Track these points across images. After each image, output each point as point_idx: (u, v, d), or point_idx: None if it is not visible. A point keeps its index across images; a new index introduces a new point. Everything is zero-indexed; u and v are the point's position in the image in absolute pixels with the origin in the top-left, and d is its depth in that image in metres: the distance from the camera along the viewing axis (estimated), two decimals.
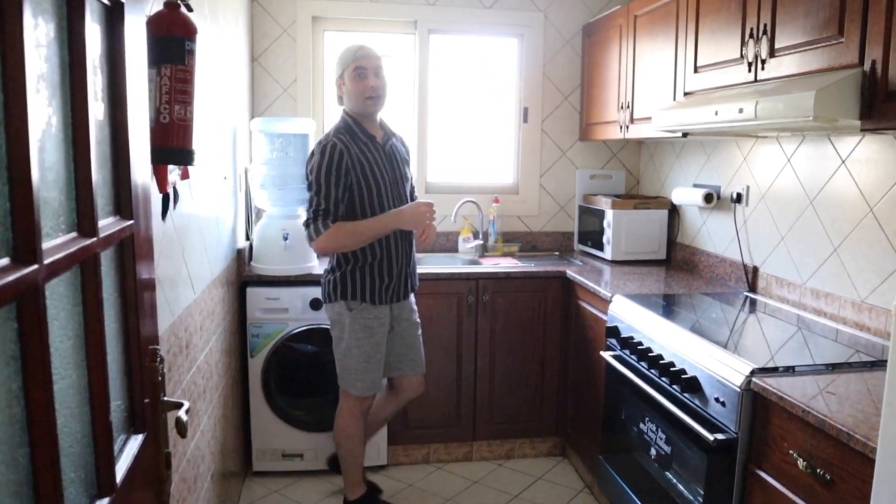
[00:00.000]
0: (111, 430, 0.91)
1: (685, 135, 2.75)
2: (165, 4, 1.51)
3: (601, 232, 3.65)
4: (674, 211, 3.59)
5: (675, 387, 2.18)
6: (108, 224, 0.95)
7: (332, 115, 3.86)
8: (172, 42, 1.47)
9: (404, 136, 2.92)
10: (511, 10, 3.85)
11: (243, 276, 3.19)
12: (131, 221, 1.04)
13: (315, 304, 3.16)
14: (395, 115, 3.91)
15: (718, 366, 2.00)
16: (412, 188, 2.89)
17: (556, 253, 3.96)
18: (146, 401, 1.10)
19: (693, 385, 2.10)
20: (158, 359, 1.17)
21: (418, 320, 2.91)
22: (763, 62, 2.21)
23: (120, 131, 1.02)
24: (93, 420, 0.88)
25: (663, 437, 2.29)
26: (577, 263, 3.62)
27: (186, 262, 2.09)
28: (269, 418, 3.23)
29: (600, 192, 3.93)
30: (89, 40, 0.86)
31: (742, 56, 2.32)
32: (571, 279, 3.29)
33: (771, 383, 1.79)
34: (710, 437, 1.93)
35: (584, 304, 3.16)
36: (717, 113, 2.24)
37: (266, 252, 3.17)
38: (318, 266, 3.30)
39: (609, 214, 3.56)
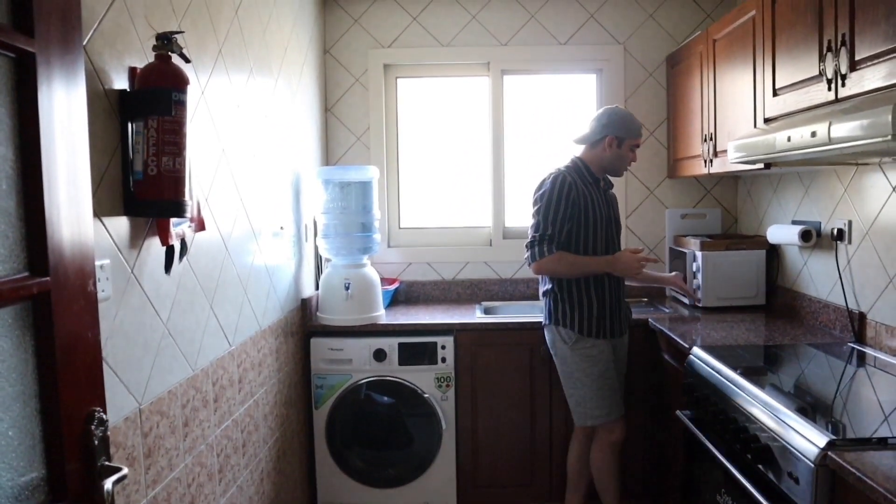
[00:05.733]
0: None
1: (768, 166, 2.45)
2: (156, 56, 1.50)
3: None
4: (773, 251, 3.22)
5: (747, 455, 1.88)
6: None
7: (406, 161, 3.82)
8: (159, 93, 1.45)
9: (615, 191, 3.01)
10: (588, 44, 3.68)
11: (309, 327, 3.16)
12: (45, 278, 0.99)
13: (378, 356, 3.07)
14: (468, 158, 3.83)
15: (792, 434, 1.69)
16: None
17: (644, 299, 3.67)
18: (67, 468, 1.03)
19: (765, 455, 1.79)
20: (94, 422, 1.10)
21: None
22: (843, 77, 1.92)
23: (32, 186, 0.98)
24: None
25: None
26: (664, 311, 3.32)
27: (216, 314, 2.07)
28: (334, 471, 3.15)
29: (693, 233, 3.61)
30: None
31: (821, 73, 2.04)
32: (653, 328, 3.00)
33: (852, 459, 1.48)
34: None
35: (667, 357, 2.87)
36: (789, 139, 1.96)
37: (329, 302, 3.13)
38: (383, 316, 3.22)
39: (698, 257, 3.25)
